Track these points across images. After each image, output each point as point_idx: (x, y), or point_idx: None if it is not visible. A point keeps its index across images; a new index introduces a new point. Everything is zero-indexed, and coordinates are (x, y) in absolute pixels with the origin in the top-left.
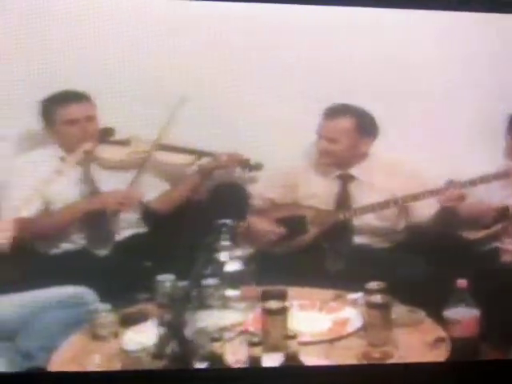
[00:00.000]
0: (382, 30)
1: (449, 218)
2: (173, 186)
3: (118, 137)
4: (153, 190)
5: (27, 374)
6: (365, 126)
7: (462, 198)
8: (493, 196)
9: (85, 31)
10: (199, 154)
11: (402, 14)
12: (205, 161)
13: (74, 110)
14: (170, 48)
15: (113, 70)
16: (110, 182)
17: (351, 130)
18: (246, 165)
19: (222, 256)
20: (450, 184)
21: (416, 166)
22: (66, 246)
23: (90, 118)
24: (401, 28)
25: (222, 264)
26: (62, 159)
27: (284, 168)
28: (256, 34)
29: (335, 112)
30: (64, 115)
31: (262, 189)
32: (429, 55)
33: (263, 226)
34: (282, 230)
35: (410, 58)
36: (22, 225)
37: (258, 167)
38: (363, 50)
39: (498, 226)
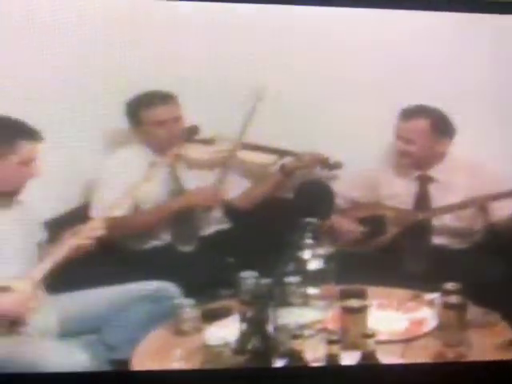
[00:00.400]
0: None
1: None
2: (255, 184)
3: (201, 135)
4: (235, 188)
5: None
6: (440, 126)
7: None
8: None
9: (166, 32)
10: (281, 153)
11: None
12: (287, 160)
13: (162, 112)
14: (250, 45)
15: (194, 69)
16: (195, 181)
17: (427, 131)
18: (325, 164)
19: (305, 254)
20: None
21: (495, 166)
22: (152, 243)
23: (177, 119)
24: None
25: (305, 262)
26: (152, 164)
27: (364, 168)
28: (337, 35)
29: (411, 113)
30: (152, 116)
31: (344, 188)
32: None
33: (345, 225)
34: (362, 229)
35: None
36: (113, 223)
37: (337, 166)
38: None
39: None
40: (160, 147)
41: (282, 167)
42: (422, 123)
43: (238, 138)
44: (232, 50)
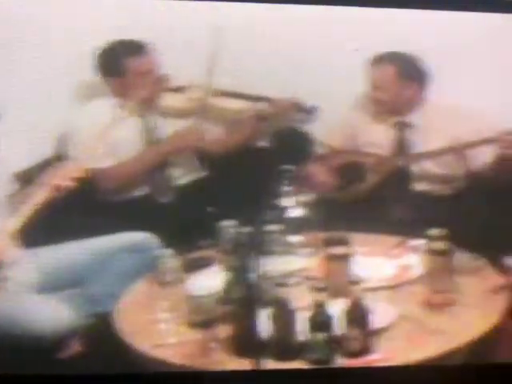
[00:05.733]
0: None
1: (507, 166)
2: (229, 131)
3: (172, 83)
4: (210, 135)
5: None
6: (408, 71)
7: None
8: None
9: None
10: (255, 98)
11: None
12: (261, 105)
13: (141, 62)
14: None
15: (166, 18)
16: (169, 130)
17: (393, 76)
18: (301, 108)
19: (285, 202)
20: (509, 131)
21: (474, 112)
22: (130, 194)
23: (151, 69)
24: None
25: (285, 210)
26: (122, 107)
27: (342, 115)
28: None
29: (379, 60)
30: (127, 67)
31: (322, 135)
32: None
33: (323, 172)
34: (340, 177)
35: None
36: (91, 174)
37: (313, 110)
38: None
39: None
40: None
41: (257, 113)
42: (388, 69)
43: (207, 84)
44: None
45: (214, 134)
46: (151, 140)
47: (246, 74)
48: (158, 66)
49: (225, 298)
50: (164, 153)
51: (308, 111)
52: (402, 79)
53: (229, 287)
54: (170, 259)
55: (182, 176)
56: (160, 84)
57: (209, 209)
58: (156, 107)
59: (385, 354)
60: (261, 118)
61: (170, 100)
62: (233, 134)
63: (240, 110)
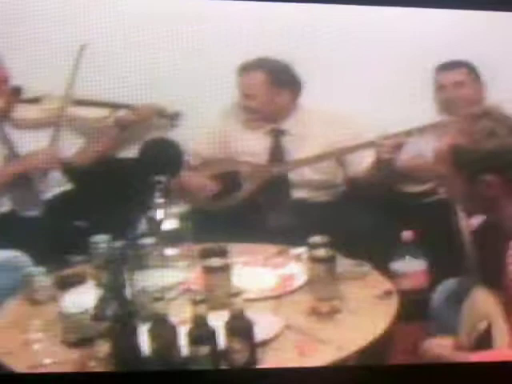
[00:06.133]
0: None
1: (386, 170)
2: (90, 140)
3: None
4: (71, 146)
5: None
6: (279, 77)
7: (397, 147)
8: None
9: None
10: (114, 106)
11: None
12: (121, 113)
13: None
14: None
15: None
16: (26, 142)
17: (264, 84)
18: (163, 114)
19: (158, 214)
20: (386, 135)
21: (350, 117)
22: None
23: (5, 80)
24: None
25: (158, 222)
26: None
27: (214, 123)
28: None
29: (247, 67)
30: None
31: (194, 145)
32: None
33: (197, 181)
34: (216, 185)
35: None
36: None
37: (176, 116)
38: None
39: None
40: None
41: (117, 121)
42: (257, 76)
43: (65, 94)
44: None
45: (74, 145)
46: (7, 153)
47: (107, 80)
48: (8, 78)
49: (99, 314)
50: (20, 171)
51: (171, 117)
52: (273, 86)
53: (103, 304)
54: (41, 277)
55: (47, 190)
56: (12, 96)
57: (78, 223)
58: (9, 119)
59: (273, 366)
60: (121, 125)
61: (24, 111)
62: (94, 143)
63: (99, 119)
